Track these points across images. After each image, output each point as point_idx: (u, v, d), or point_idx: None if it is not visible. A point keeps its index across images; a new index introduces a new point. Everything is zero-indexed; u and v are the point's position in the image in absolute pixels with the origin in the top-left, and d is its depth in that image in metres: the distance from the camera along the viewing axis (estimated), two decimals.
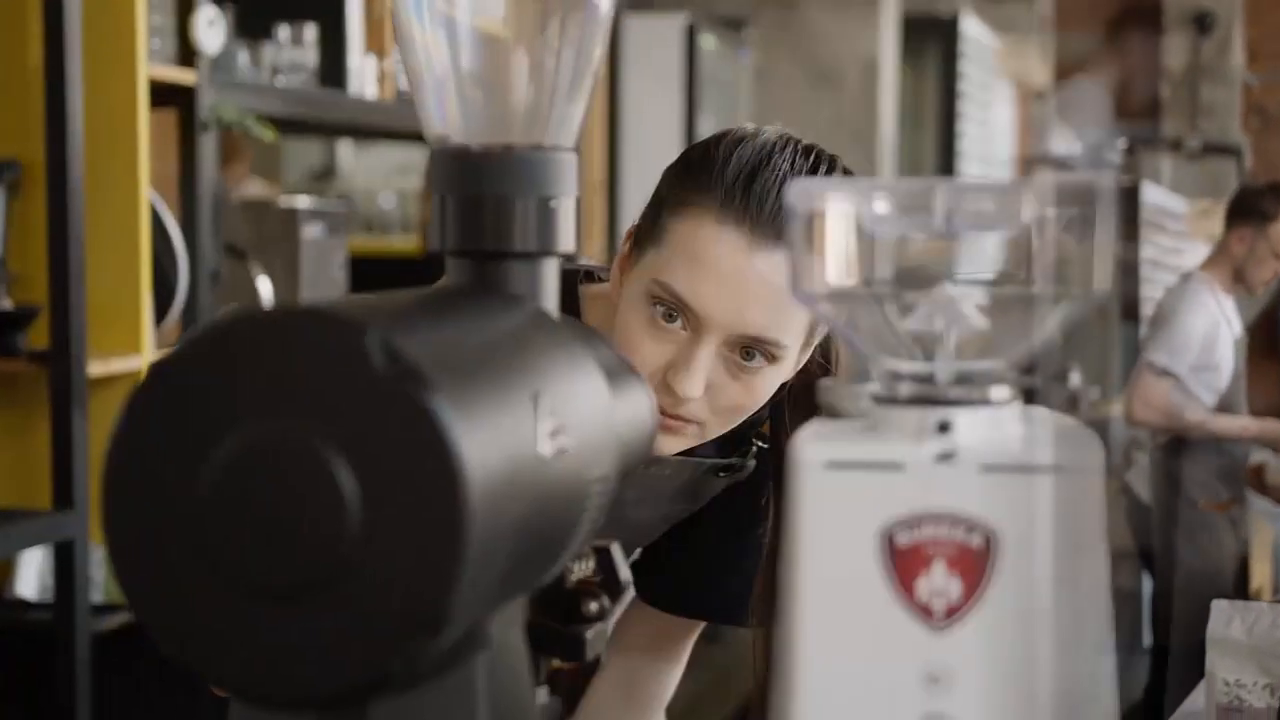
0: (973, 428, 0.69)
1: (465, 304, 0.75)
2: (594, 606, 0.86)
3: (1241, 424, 4.28)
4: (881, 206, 0.71)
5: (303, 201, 3.08)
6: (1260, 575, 4.55)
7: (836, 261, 0.72)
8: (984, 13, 8.23)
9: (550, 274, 0.82)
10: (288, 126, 3.21)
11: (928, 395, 0.70)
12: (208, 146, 2.65)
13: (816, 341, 1.31)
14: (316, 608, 0.61)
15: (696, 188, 1.23)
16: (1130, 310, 6.97)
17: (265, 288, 2.88)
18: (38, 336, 2.38)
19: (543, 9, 0.83)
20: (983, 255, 0.73)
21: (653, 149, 4.89)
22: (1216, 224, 8.58)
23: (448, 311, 0.71)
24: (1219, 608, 1.91)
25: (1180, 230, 7.68)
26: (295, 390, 0.61)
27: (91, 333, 2.39)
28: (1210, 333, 4.16)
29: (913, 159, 7.24)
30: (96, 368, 2.39)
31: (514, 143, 0.82)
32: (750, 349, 1.23)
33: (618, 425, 0.80)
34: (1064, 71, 9.95)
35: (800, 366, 1.32)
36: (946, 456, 0.68)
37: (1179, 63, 9.47)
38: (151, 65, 2.52)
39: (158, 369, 0.63)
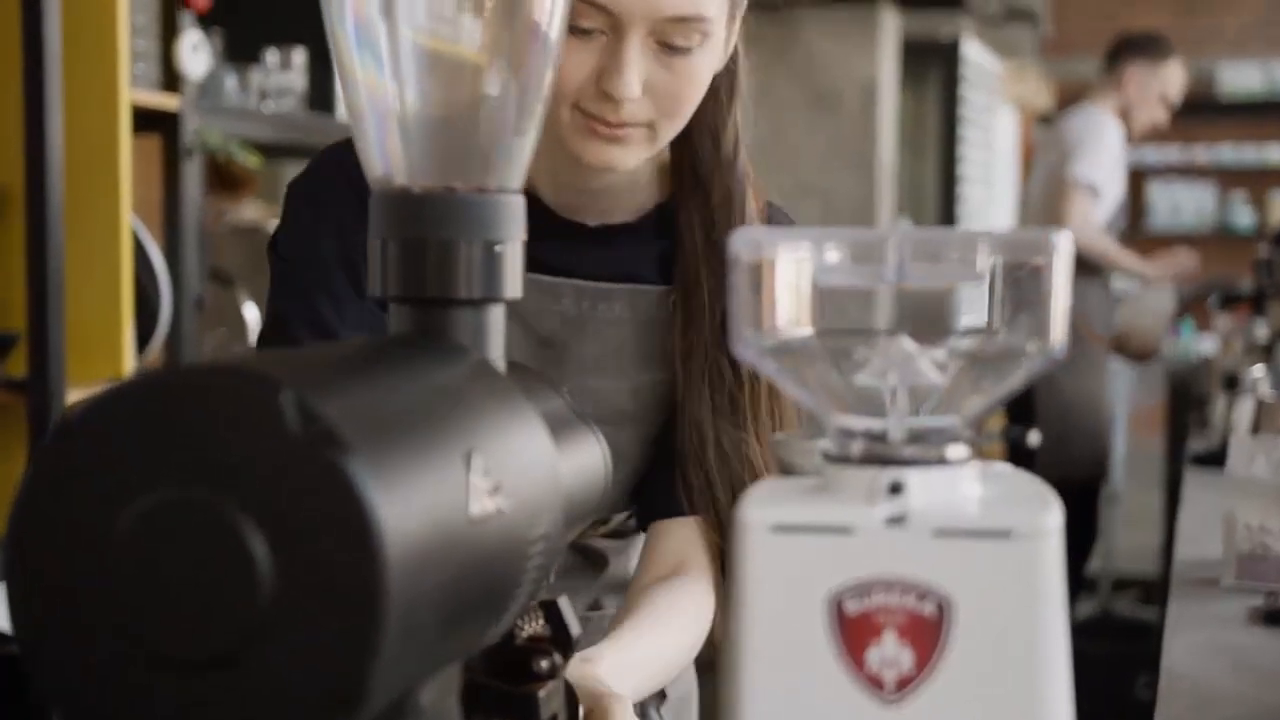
0: (927, 489, 0.66)
1: (401, 356, 0.71)
2: (545, 664, 0.83)
3: (1140, 261, 4.53)
4: (832, 256, 0.68)
5: None
6: None
7: (784, 313, 0.69)
8: (986, 37, 8.21)
9: (496, 321, 0.79)
10: (279, 150, 3.18)
11: (880, 454, 0.67)
12: (192, 172, 2.62)
13: (740, 14, 1.28)
14: (225, 681, 0.57)
15: None
16: (948, 166, 7.14)
17: (251, 314, 2.85)
18: (16, 364, 2.35)
19: (487, 46, 0.80)
20: (939, 306, 0.70)
21: None
22: (1025, 87, 8.61)
23: (380, 365, 0.68)
24: (1239, 443, 1.83)
25: (994, 89, 7.75)
26: (207, 451, 0.58)
27: (72, 361, 2.36)
28: (1116, 156, 4.31)
29: (914, 183, 7.21)
30: (76, 396, 2.36)
31: (457, 185, 0.79)
32: (675, 33, 1.18)
33: (563, 479, 0.76)
34: (1067, 95, 9.94)
35: (731, 48, 1.29)
36: (897, 520, 0.65)
37: None
38: (135, 90, 2.50)
39: (67, 425, 0.60)
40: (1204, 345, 8.47)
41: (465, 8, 0.79)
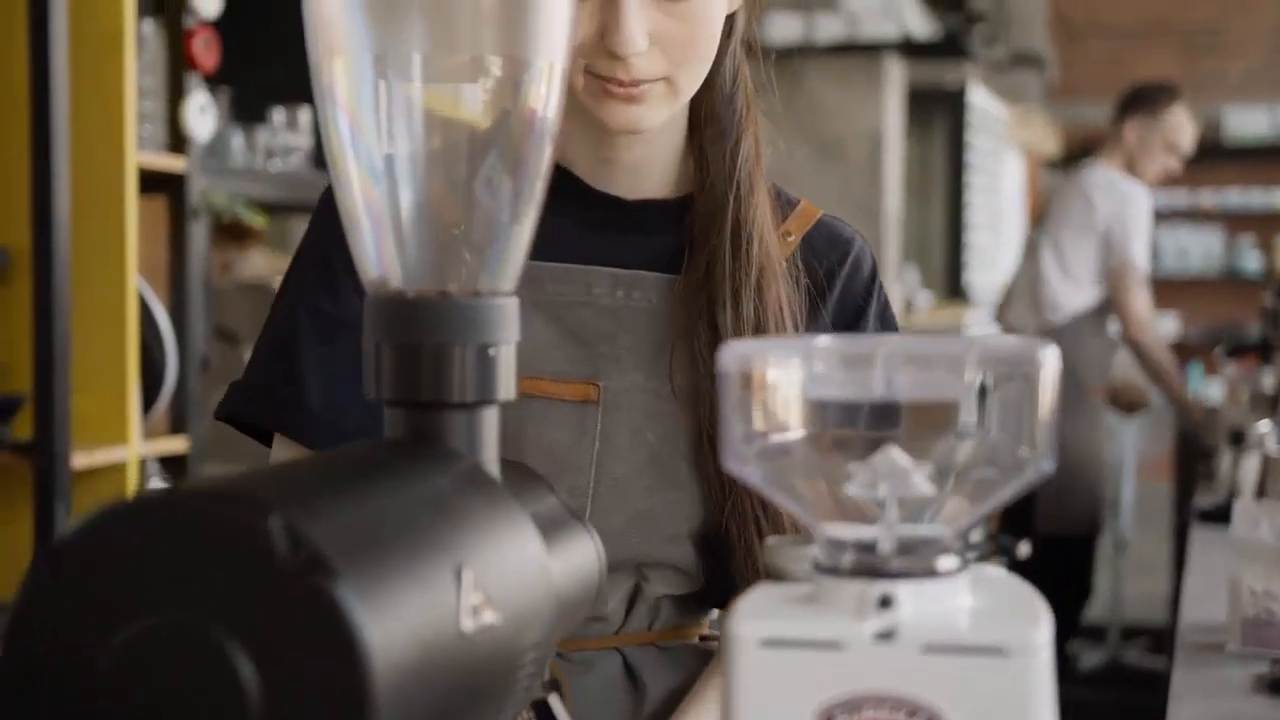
0: (917, 602, 0.66)
1: (392, 466, 0.72)
2: None
3: (1186, 397, 4.53)
4: (820, 368, 0.68)
5: None
6: None
7: (773, 424, 0.69)
8: (992, 82, 8.25)
9: (490, 424, 0.79)
10: (286, 208, 3.20)
11: (870, 566, 0.67)
12: (198, 233, 2.63)
13: None
14: None
15: None
16: (955, 212, 7.17)
17: None
18: (21, 427, 2.35)
19: (482, 147, 0.80)
20: (928, 418, 0.70)
21: None
22: (1032, 132, 8.64)
23: (370, 477, 0.68)
24: (1243, 508, 1.80)
25: (1001, 135, 7.77)
26: (195, 577, 0.58)
27: (77, 423, 2.36)
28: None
29: (920, 229, 7.22)
30: (81, 459, 2.36)
31: (452, 289, 0.79)
32: None
33: (556, 583, 0.77)
34: (1073, 139, 9.98)
35: None
36: (887, 635, 0.65)
37: None
38: (142, 153, 2.51)
39: (56, 552, 0.60)
40: (1211, 391, 8.47)
41: (461, 109, 0.80)
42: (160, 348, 2.54)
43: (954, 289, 7.29)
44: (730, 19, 1.22)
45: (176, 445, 2.67)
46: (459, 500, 0.71)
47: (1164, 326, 10.07)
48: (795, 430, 0.70)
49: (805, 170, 5.34)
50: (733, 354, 0.68)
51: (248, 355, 2.67)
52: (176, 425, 2.67)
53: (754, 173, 1.23)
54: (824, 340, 0.71)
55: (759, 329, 1.19)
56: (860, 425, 0.70)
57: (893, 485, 0.68)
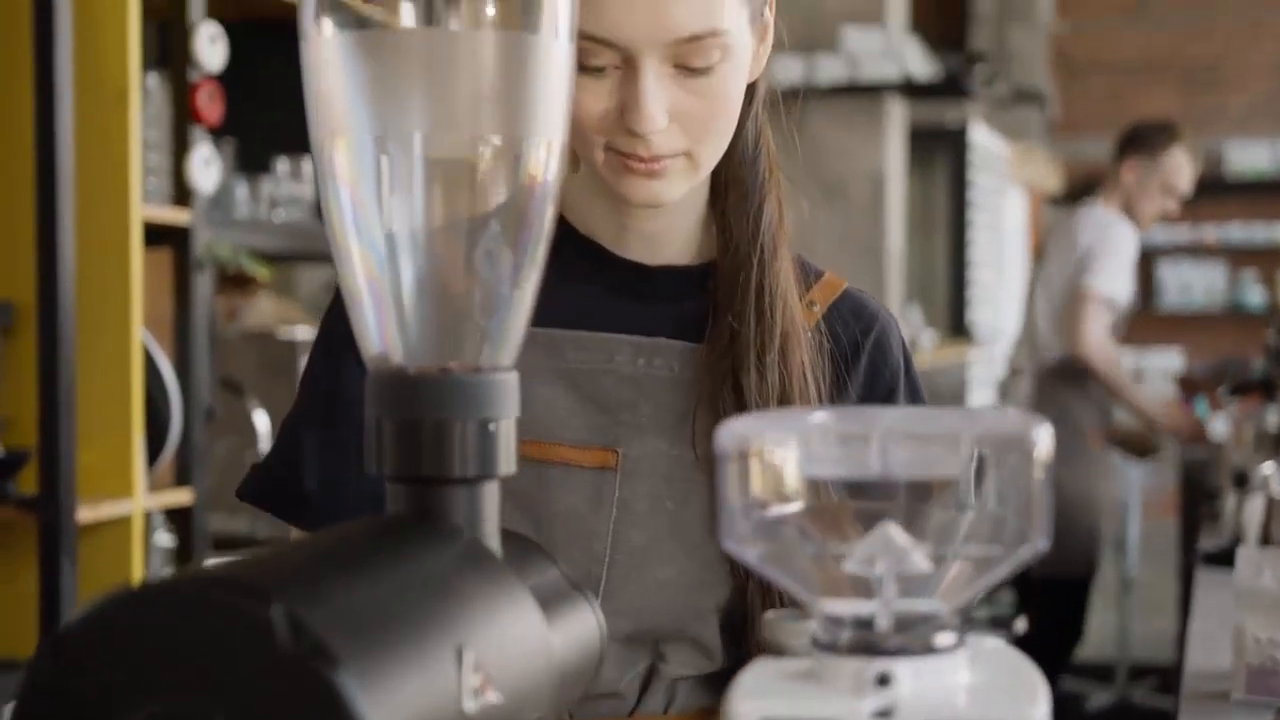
0: (915, 679, 0.66)
1: (393, 544, 0.72)
2: None
3: (1152, 406, 4.45)
4: (817, 446, 0.69)
5: (303, 332, 3.07)
6: None
7: (770, 502, 0.70)
8: (994, 120, 8.27)
9: (490, 498, 0.80)
10: (290, 257, 3.21)
11: (868, 643, 0.68)
12: (202, 285, 2.65)
13: (768, 11, 1.20)
14: None
15: None
16: (958, 250, 7.16)
17: (263, 423, 2.87)
18: (26, 481, 2.36)
19: (481, 224, 0.81)
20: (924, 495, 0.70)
21: None
22: (1034, 169, 8.65)
23: (370, 558, 0.69)
24: (1246, 555, 1.77)
25: (1002, 172, 7.77)
26: (198, 664, 0.59)
27: (82, 477, 2.37)
28: (1133, 263, 4.33)
29: (924, 267, 7.24)
30: (87, 513, 2.37)
31: (452, 365, 0.80)
32: (691, 54, 1.10)
33: (557, 657, 0.77)
34: (1075, 175, 10.01)
35: (767, 50, 1.20)
36: (886, 714, 0.66)
37: (987, 7, 9.53)
38: (147, 206, 2.52)
39: (61, 637, 0.61)
40: (1217, 426, 8.45)
41: (461, 186, 0.81)
42: (165, 400, 2.55)
43: (958, 327, 7.30)
44: (752, 86, 1.21)
45: (181, 497, 2.68)
46: (459, 579, 0.72)
47: (1168, 362, 10.08)
48: (793, 507, 0.70)
49: (807, 213, 5.36)
50: (730, 433, 0.69)
51: (252, 406, 2.67)
52: (181, 477, 2.67)
53: (777, 236, 1.22)
54: (820, 417, 0.72)
55: (784, 395, 1.18)
56: (858, 501, 0.70)
57: (890, 562, 0.69)
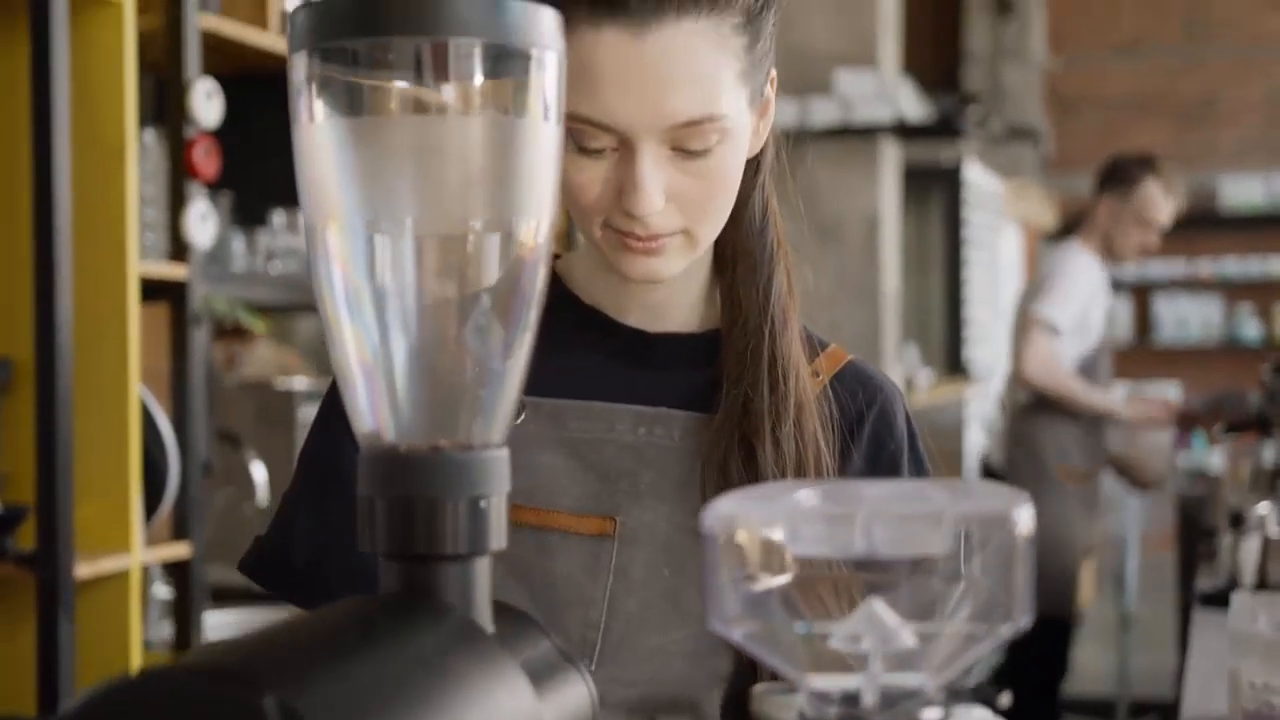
0: None
1: (385, 624, 0.73)
2: None
3: (1112, 402, 4.37)
4: (803, 528, 0.70)
5: (300, 382, 3.08)
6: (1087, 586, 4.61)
7: (757, 582, 0.71)
8: (988, 157, 8.31)
9: (482, 574, 0.81)
10: (288, 307, 3.23)
11: (855, 718, 0.69)
12: (199, 340, 2.66)
13: (767, 91, 1.20)
14: None
15: (559, 4, 1.15)
16: (953, 288, 7.16)
17: (260, 475, 2.88)
18: (25, 538, 2.37)
19: (471, 304, 0.82)
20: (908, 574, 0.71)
21: None
22: (1028, 205, 8.65)
23: (362, 640, 0.70)
24: (1240, 601, 1.76)
25: (997, 209, 7.78)
26: None
27: (80, 532, 2.38)
28: (1091, 294, 4.29)
29: (919, 306, 7.26)
30: (85, 569, 2.37)
31: (443, 443, 0.81)
32: (689, 138, 1.10)
33: None
34: (1070, 211, 10.05)
35: (767, 127, 1.20)
36: None
37: (980, 45, 9.58)
38: (144, 261, 2.54)
39: None
40: (1214, 460, 8.46)
41: (451, 267, 0.82)
42: (163, 454, 2.56)
43: (954, 364, 7.31)
44: (756, 157, 1.22)
45: (180, 551, 2.68)
46: (451, 659, 0.73)
47: (1164, 395, 10.07)
48: (779, 585, 0.71)
49: (804, 252, 5.38)
50: (716, 514, 0.70)
51: (249, 457, 2.68)
52: (179, 531, 2.68)
53: (787, 307, 1.23)
54: (805, 496, 0.73)
55: (800, 466, 1.18)
56: (844, 579, 0.71)
57: (876, 639, 0.70)
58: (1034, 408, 4.29)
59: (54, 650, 2.27)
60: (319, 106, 0.79)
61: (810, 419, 1.20)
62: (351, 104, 0.79)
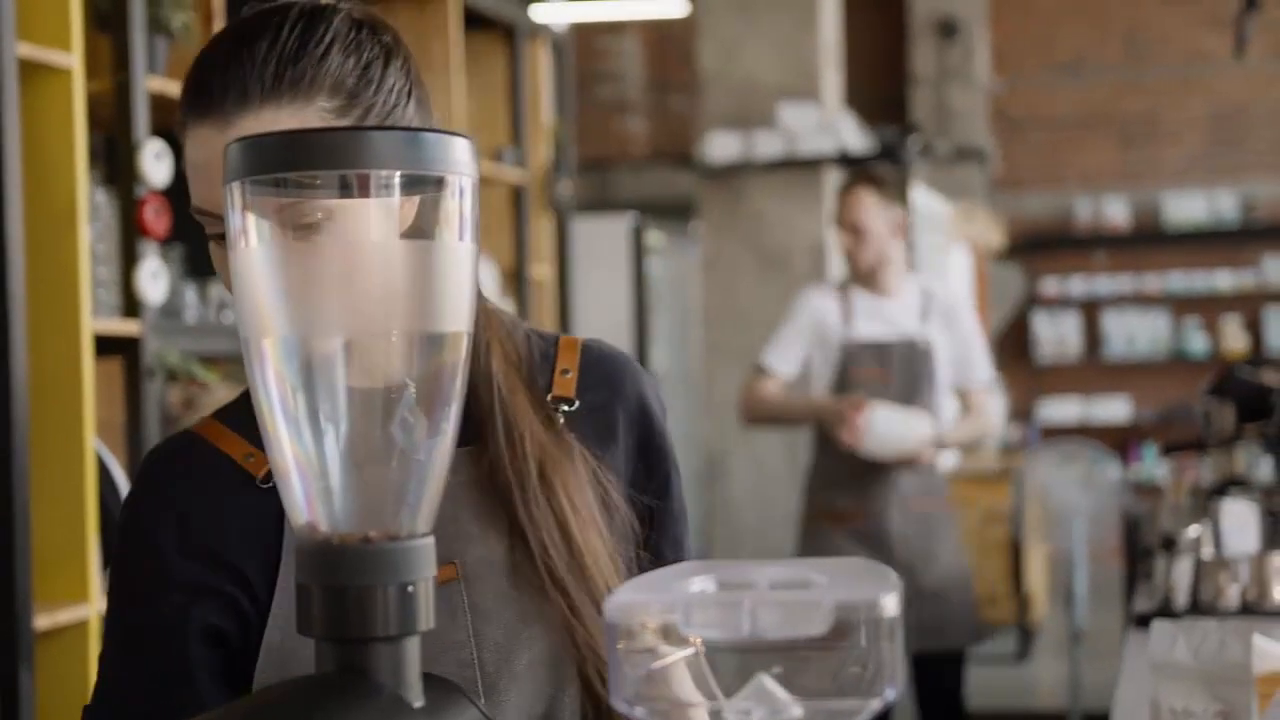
0: None
1: (320, 705, 0.80)
2: None
3: (818, 403, 4.06)
4: (696, 615, 0.77)
5: None
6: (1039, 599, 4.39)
7: (655, 663, 0.78)
8: (935, 180, 8.43)
9: (412, 652, 0.88)
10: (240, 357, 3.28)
11: None
12: (152, 393, 2.72)
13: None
14: None
15: (180, 105, 1.19)
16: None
17: None
18: None
19: (396, 403, 0.90)
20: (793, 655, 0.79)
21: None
22: (976, 226, 8.75)
23: (302, 718, 0.77)
24: (1161, 628, 1.80)
25: (945, 231, 7.87)
26: None
27: (38, 584, 2.43)
28: (816, 331, 4.05)
29: None
30: (44, 620, 2.43)
31: (373, 533, 0.88)
32: (296, 216, 1.06)
33: None
34: (1017, 230, 10.19)
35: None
36: None
37: (925, 68, 9.73)
38: (97, 318, 2.60)
39: None
40: (1160, 473, 8.59)
41: (379, 374, 0.89)
42: (119, 505, 2.61)
43: None
44: None
45: None
46: None
47: (1114, 410, 10.24)
48: (674, 663, 0.79)
49: (749, 281, 5.46)
50: (616, 604, 0.78)
51: None
52: None
53: (506, 375, 1.26)
54: (698, 585, 0.81)
55: (560, 520, 1.22)
56: (734, 657, 0.79)
57: (766, 712, 0.77)
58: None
59: (15, 702, 2.33)
60: (252, 232, 0.86)
61: (557, 471, 1.24)
62: (281, 231, 0.87)
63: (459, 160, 0.88)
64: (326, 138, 0.86)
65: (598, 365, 1.32)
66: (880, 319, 4.04)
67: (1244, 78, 9.88)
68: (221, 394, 3.69)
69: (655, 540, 1.32)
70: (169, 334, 2.81)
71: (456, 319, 0.88)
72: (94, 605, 2.56)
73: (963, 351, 4.06)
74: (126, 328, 2.68)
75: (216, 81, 1.15)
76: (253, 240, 0.86)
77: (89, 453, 2.53)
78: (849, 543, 4.04)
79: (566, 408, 1.28)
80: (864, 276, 4.04)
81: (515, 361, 1.27)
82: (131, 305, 2.70)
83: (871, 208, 3.96)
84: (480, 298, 1.26)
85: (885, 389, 4.01)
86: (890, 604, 0.76)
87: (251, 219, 0.86)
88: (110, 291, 2.68)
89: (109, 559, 2.63)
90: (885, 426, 3.90)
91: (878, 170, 4.14)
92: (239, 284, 0.88)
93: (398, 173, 0.86)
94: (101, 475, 2.60)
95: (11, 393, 2.39)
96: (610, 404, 1.31)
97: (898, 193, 4.06)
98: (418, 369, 0.88)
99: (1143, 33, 10.29)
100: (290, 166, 0.86)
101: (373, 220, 0.86)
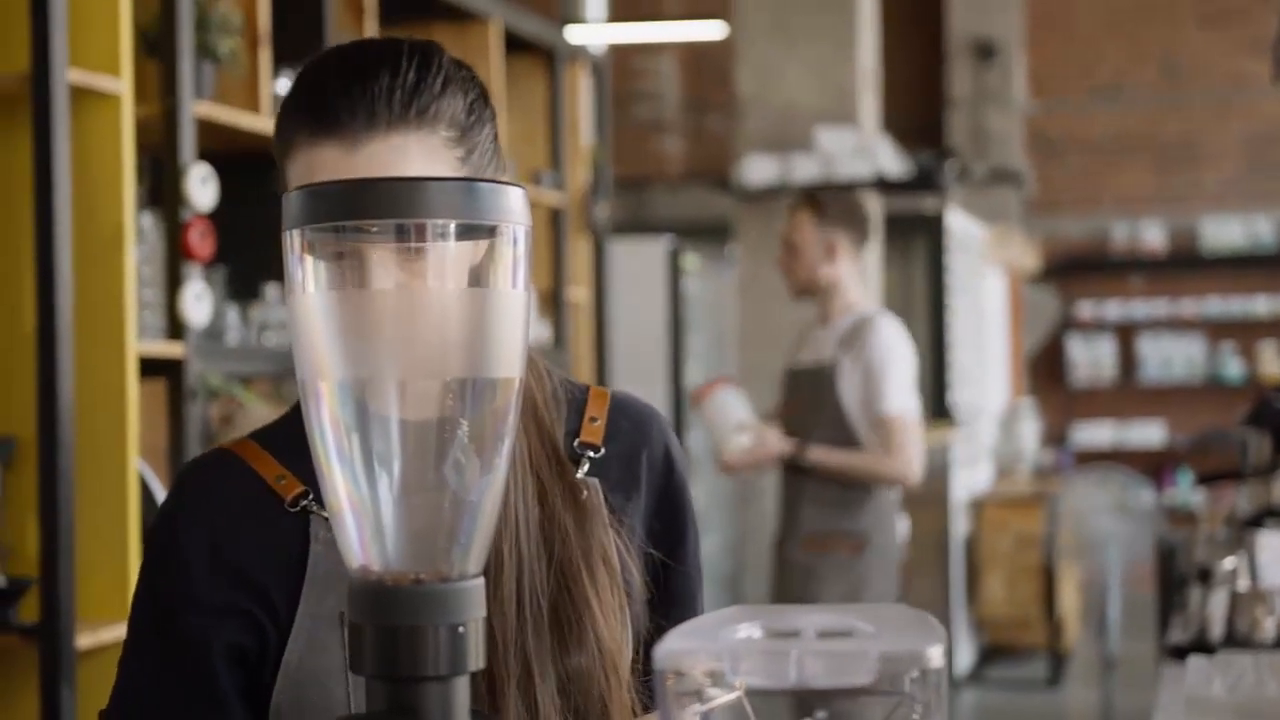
0: None
1: None
2: None
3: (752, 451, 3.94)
4: (743, 664, 0.79)
5: None
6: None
7: (701, 706, 0.80)
8: (971, 203, 8.42)
9: (461, 692, 0.90)
10: (281, 376, 3.31)
11: None
12: (195, 415, 2.75)
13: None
14: None
15: (286, 128, 1.21)
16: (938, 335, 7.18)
17: None
18: (28, 610, 2.45)
19: (448, 446, 0.91)
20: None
21: (641, 367, 5.04)
22: (1011, 249, 8.70)
23: None
24: (1196, 665, 1.85)
25: (980, 254, 7.84)
26: None
27: (81, 602, 2.46)
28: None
29: None
30: (86, 639, 2.45)
31: (425, 575, 0.90)
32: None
33: None
34: (1052, 253, 10.17)
35: None
36: None
37: (963, 91, 9.69)
38: (142, 341, 2.63)
39: None
40: (1196, 499, 8.55)
41: (431, 418, 0.91)
42: None
43: (939, 410, 7.40)
44: None
45: None
46: None
47: (1149, 434, 10.19)
48: (722, 708, 0.81)
49: (785, 304, 5.46)
50: (665, 653, 0.79)
51: None
52: None
53: (525, 418, 1.26)
54: (745, 633, 0.82)
55: (563, 564, 1.23)
56: (780, 702, 0.80)
57: None
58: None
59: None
60: (310, 279, 0.88)
61: (567, 516, 1.25)
62: (340, 278, 0.89)
63: (513, 209, 0.89)
64: (384, 187, 0.89)
65: (625, 415, 1.34)
66: (812, 347, 4.03)
67: None
68: (259, 413, 3.72)
69: (665, 596, 1.32)
70: (211, 356, 2.84)
71: (509, 365, 0.90)
72: None
73: (869, 380, 3.87)
74: (171, 350, 2.72)
75: (343, 104, 1.18)
76: (310, 287, 0.88)
77: (133, 474, 2.56)
78: (774, 566, 4.03)
79: (592, 454, 1.29)
80: (798, 295, 4.07)
81: (533, 407, 1.28)
82: (176, 327, 2.73)
83: (805, 226, 3.96)
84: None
85: (791, 416, 3.98)
86: (936, 655, 0.77)
87: (310, 265, 0.88)
88: (155, 314, 2.71)
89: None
90: (714, 408, 3.91)
91: (825, 196, 4.12)
92: (297, 329, 0.89)
93: (453, 222, 0.87)
94: (144, 497, 2.63)
95: (58, 414, 2.43)
96: (635, 454, 1.32)
97: (847, 223, 4.00)
98: (470, 412, 0.89)
99: (1180, 56, 10.27)
100: (349, 215, 0.88)
101: (429, 268, 0.88)
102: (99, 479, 2.53)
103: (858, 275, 4.05)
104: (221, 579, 1.23)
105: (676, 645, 0.79)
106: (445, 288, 0.87)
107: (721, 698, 0.81)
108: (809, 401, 3.95)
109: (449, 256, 0.87)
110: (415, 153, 1.18)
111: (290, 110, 1.21)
